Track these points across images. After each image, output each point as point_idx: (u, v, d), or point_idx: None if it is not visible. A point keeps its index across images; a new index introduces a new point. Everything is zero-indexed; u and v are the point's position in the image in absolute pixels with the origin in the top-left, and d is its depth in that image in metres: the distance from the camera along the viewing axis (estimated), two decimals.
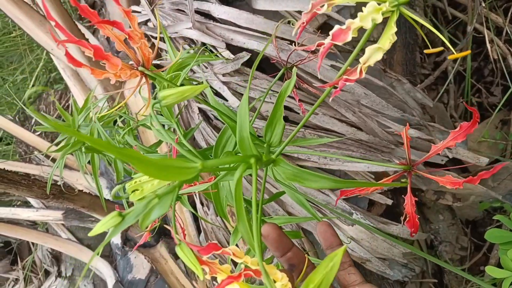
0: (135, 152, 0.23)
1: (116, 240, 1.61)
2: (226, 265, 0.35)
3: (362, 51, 0.38)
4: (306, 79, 1.13)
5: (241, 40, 1.11)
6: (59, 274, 1.88)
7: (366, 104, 1.19)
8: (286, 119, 1.21)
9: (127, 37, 0.41)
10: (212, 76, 1.12)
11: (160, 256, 1.45)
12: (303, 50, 0.44)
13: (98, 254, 1.50)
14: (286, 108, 1.17)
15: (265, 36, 1.10)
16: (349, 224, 1.22)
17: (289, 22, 1.13)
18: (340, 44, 0.32)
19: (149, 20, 1.39)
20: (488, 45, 1.57)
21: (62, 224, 1.81)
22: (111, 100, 1.52)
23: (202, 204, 1.28)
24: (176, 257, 1.42)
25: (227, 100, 1.13)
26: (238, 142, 0.35)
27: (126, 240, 1.59)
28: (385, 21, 0.41)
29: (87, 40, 1.63)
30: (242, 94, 1.14)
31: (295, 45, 1.13)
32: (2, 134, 2.34)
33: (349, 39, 0.32)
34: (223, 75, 1.12)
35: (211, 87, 1.16)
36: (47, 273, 2.04)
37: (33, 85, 2.27)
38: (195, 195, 1.21)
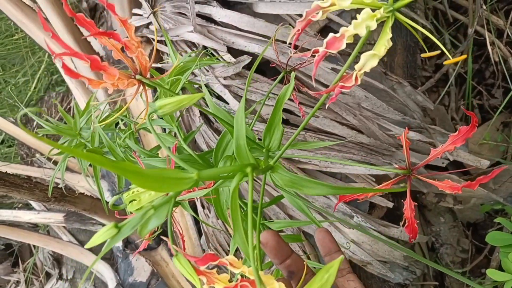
0: (130, 165, 0.23)
1: (117, 243, 1.61)
2: (224, 274, 0.35)
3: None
4: (306, 82, 1.13)
5: (242, 44, 1.11)
6: (60, 277, 1.88)
7: (367, 107, 1.19)
8: (286, 122, 1.21)
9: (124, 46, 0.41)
10: (213, 79, 1.13)
11: (161, 259, 1.45)
12: (303, 55, 0.44)
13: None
14: (287, 111, 1.18)
15: (266, 39, 1.11)
16: (350, 226, 1.22)
17: (290, 25, 1.13)
18: (334, 52, 0.32)
19: (150, 23, 1.39)
20: (489, 47, 1.57)
21: (64, 227, 1.81)
22: (113, 102, 1.53)
23: (203, 206, 1.28)
24: None
25: (228, 103, 1.13)
26: (235, 150, 0.35)
27: (127, 242, 1.60)
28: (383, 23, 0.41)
29: (89, 43, 1.63)
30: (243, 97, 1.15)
31: (295, 48, 1.13)
32: (4, 136, 2.34)
33: (343, 47, 0.32)
34: (224, 78, 1.12)
35: (212, 90, 1.16)
36: (48, 276, 2.05)
37: (35, 88, 2.28)
38: (196, 198, 1.21)
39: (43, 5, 1.50)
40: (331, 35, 0.32)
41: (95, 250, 1.72)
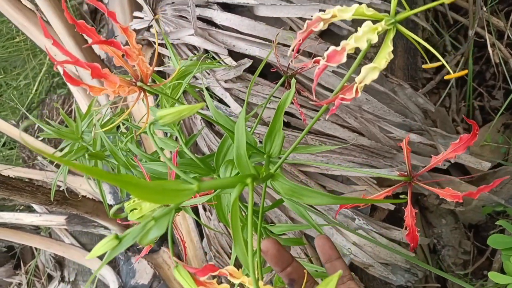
0: (129, 177, 0.23)
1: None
2: (224, 284, 0.35)
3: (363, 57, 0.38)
4: (307, 84, 1.13)
5: (243, 47, 1.11)
6: (62, 279, 1.89)
7: (368, 110, 1.19)
8: (288, 124, 1.21)
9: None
10: (214, 82, 1.13)
11: (163, 261, 1.45)
12: (303, 65, 0.44)
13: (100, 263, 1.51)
14: (288, 113, 1.18)
15: (266, 42, 1.11)
16: (352, 229, 1.22)
17: (290, 29, 1.13)
18: (334, 65, 0.32)
19: (151, 26, 1.40)
20: (490, 49, 1.57)
21: (65, 229, 1.81)
22: (114, 104, 1.53)
23: (204, 209, 1.28)
24: None
25: (229, 106, 1.14)
26: (235, 159, 0.35)
27: (129, 245, 1.60)
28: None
29: (90, 47, 1.64)
30: (244, 100, 1.15)
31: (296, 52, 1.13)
32: (6, 139, 2.35)
33: (344, 60, 0.32)
34: (225, 81, 1.12)
35: (213, 93, 1.17)
36: (50, 278, 2.05)
37: (36, 90, 2.29)
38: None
39: (44, 9, 1.50)
40: (331, 48, 0.32)
41: None
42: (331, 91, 1.15)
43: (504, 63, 1.61)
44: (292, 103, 1.15)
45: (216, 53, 1.14)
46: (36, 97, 2.28)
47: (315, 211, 1.23)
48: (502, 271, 1.06)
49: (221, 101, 1.17)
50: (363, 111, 1.19)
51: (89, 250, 1.74)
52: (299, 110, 0.67)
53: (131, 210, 0.36)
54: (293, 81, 0.38)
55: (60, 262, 1.97)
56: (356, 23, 1.25)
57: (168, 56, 1.31)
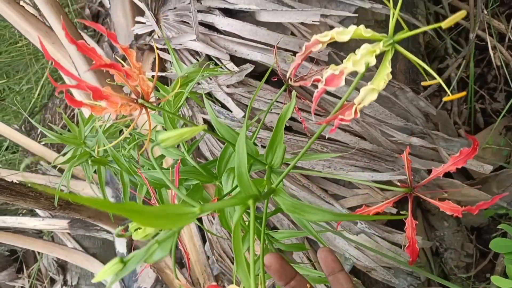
0: (133, 205, 0.24)
1: (122, 249, 1.62)
2: None
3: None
4: (309, 89, 1.13)
5: (245, 52, 1.12)
6: (64, 283, 1.89)
7: (369, 114, 1.20)
8: (289, 129, 1.22)
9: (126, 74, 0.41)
10: (216, 87, 1.13)
11: (165, 265, 1.45)
12: (304, 84, 0.44)
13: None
14: (290, 118, 1.18)
15: (268, 47, 1.11)
16: (354, 233, 1.22)
17: (292, 34, 1.14)
18: (333, 89, 0.33)
19: (153, 31, 1.40)
20: (491, 52, 1.57)
21: (68, 233, 1.82)
22: None
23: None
24: (181, 266, 1.43)
25: (231, 111, 1.14)
26: (237, 177, 0.35)
27: (132, 249, 1.60)
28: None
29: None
30: (246, 105, 1.15)
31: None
32: (8, 143, 2.36)
33: (342, 84, 0.32)
34: (227, 86, 1.13)
35: (215, 98, 1.17)
36: (52, 281, 2.05)
37: (38, 94, 2.30)
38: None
39: (47, 14, 1.51)
40: (329, 72, 0.33)
41: (100, 257, 1.73)
42: (330, 94, 1.16)
43: (505, 66, 1.62)
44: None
45: (218, 58, 1.15)
46: (39, 102, 2.29)
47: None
48: (505, 274, 1.06)
49: (223, 106, 1.17)
50: (365, 115, 1.19)
51: (91, 254, 1.74)
52: (300, 118, 0.67)
53: (135, 230, 0.36)
54: (293, 93, 0.39)
55: (62, 266, 1.98)
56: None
57: (170, 61, 1.32)
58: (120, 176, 0.92)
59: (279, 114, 1.16)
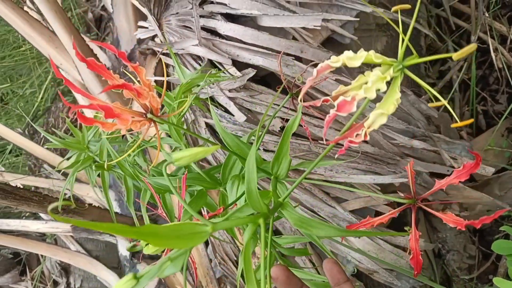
0: (149, 228, 0.24)
1: (125, 252, 1.63)
2: None
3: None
4: (313, 95, 1.14)
5: (247, 56, 1.13)
6: (68, 285, 1.90)
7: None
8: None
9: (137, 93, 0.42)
10: (218, 91, 1.14)
11: None
12: (313, 104, 0.45)
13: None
14: None
15: (270, 52, 1.12)
16: (356, 235, 1.23)
17: (293, 38, 1.14)
18: (344, 115, 0.33)
19: (156, 35, 1.41)
20: (493, 54, 1.57)
21: (71, 236, 1.83)
22: None
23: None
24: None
25: (233, 115, 1.15)
26: (246, 193, 0.36)
27: (135, 251, 1.61)
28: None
29: (95, 55, 1.66)
30: (248, 109, 1.16)
31: (299, 61, 1.14)
32: (12, 146, 2.37)
33: (354, 110, 0.33)
34: (229, 90, 1.14)
35: (217, 102, 1.18)
36: (55, 284, 2.06)
37: (42, 98, 2.31)
38: (203, 208, 1.23)
39: (50, 19, 1.53)
40: (341, 98, 0.33)
41: (103, 260, 1.74)
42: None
43: (507, 68, 1.62)
44: (294, 110, 1.16)
45: (220, 63, 1.15)
46: (42, 105, 2.30)
47: (320, 217, 1.24)
48: (507, 275, 1.06)
49: (225, 110, 1.18)
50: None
51: (94, 257, 1.75)
52: (304, 126, 0.68)
53: (146, 244, 0.37)
54: (299, 107, 0.39)
55: (65, 269, 1.99)
56: (359, 32, 1.26)
57: (173, 66, 1.33)
58: (124, 181, 0.93)
59: (281, 118, 1.17)
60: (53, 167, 1.83)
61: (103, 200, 1.62)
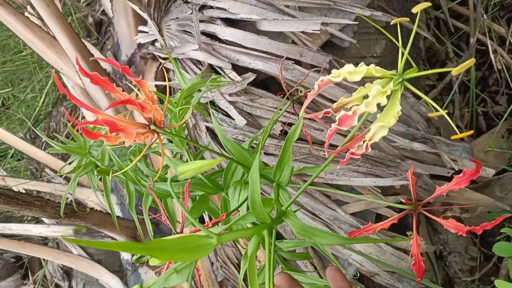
0: (155, 243, 0.25)
1: (127, 255, 1.63)
2: None
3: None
4: (316, 101, 1.14)
5: (247, 61, 1.13)
6: None
7: (371, 119, 1.20)
8: None
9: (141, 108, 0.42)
10: (218, 96, 1.15)
11: None
12: (315, 116, 0.45)
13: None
14: (290, 124, 1.19)
15: (269, 56, 1.13)
16: (358, 243, 1.23)
17: (293, 42, 1.15)
18: (346, 129, 0.34)
19: (156, 40, 1.42)
20: (492, 56, 1.58)
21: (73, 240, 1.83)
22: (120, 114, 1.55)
23: (210, 220, 1.30)
24: None
25: (233, 119, 1.15)
26: (250, 204, 0.36)
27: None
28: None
29: (96, 60, 1.67)
30: (248, 113, 1.16)
31: (299, 65, 1.14)
32: (14, 150, 2.38)
33: (355, 123, 0.33)
34: (230, 94, 1.14)
35: (218, 106, 1.18)
36: None
37: (43, 102, 2.32)
38: (204, 213, 1.23)
39: (51, 24, 1.54)
40: (343, 112, 0.34)
41: (105, 263, 1.74)
42: (333, 102, 1.17)
43: (506, 69, 1.62)
44: (293, 113, 1.17)
45: (220, 68, 1.16)
46: (43, 110, 2.31)
47: (321, 219, 1.24)
48: (509, 277, 1.06)
49: (226, 114, 1.18)
50: (366, 120, 1.20)
51: (96, 261, 1.76)
52: (305, 132, 0.68)
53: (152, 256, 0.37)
54: (301, 115, 0.40)
55: (67, 272, 1.99)
56: (357, 35, 1.26)
57: (173, 70, 1.34)
58: (126, 185, 0.94)
59: (282, 122, 1.17)
60: (55, 172, 1.83)
61: (105, 204, 1.62)
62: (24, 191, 1.68)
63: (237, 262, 1.30)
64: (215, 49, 1.17)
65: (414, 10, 0.36)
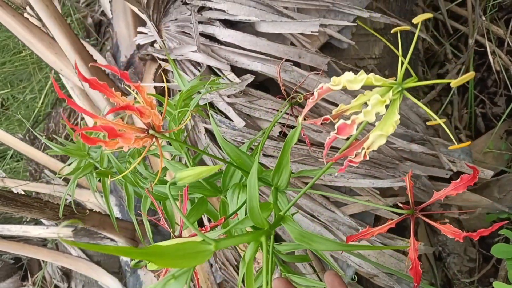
0: (154, 248, 0.25)
1: (126, 257, 1.63)
2: None
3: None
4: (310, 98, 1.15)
5: (246, 62, 1.13)
6: None
7: (370, 124, 1.20)
8: None
9: (139, 113, 0.42)
10: (217, 97, 1.15)
11: None
12: (314, 122, 0.45)
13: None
14: (291, 127, 1.19)
15: (268, 57, 1.13)
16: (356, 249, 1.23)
17: (292, 44, 1.15)
18: (345, 137, 0.34)
19: (155, 41, 1.42)
20: (490, 57, 1.58)
21: (72, 241, 1.83)
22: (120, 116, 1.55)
23: (210, 222, 1.30)
24: None
25: (232, 121, 1.15)
26: (248, 210, 0.36)
27: None
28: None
29: (95, 60, 1.67)
30: (247, 115, 1.17)
31: (298, 67, 1.14)
32: (13, 151, 2.38)
33: (354, 132, 0.34)
34: (229, 96, 1.14)
35: (217, 108, 1.19)
36: None
37: (42, 103, 2.32)
38: (204, 216, 1.23)
39: (50, 26, 1.54)
40: (341, 121, 0.34)
41: (104, 265, 1.74)
42: (332, 104, 1.17)
43: (505, 70, 1.62)
44: (291, 114, 1.17)
45: (219, 69, 1.16)
46: (42, 110, 2.31)
47: (320, 221, 1.24)
48: (507, 279, 1.06)
49: (224, 115, 1.18)
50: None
51: (95, 262, 1.76)
52: (303, 135, 0.68)
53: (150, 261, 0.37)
54: (299, 120, 0.40)
55: (67, 274, 1.99)
56: (356, 36, 1.27)
57: (172, 72, 1.34)
58: (125, 187, 0.94)
59: (280, 123, 1.17)
60: (54, 173, 1.83)
61: (104, 206, 1.62)
62: (23, 193, 1.68)
63: (236, 263, 1.30)
64: (214, 50, 1.18)
65: (415, 20, 0.36)
